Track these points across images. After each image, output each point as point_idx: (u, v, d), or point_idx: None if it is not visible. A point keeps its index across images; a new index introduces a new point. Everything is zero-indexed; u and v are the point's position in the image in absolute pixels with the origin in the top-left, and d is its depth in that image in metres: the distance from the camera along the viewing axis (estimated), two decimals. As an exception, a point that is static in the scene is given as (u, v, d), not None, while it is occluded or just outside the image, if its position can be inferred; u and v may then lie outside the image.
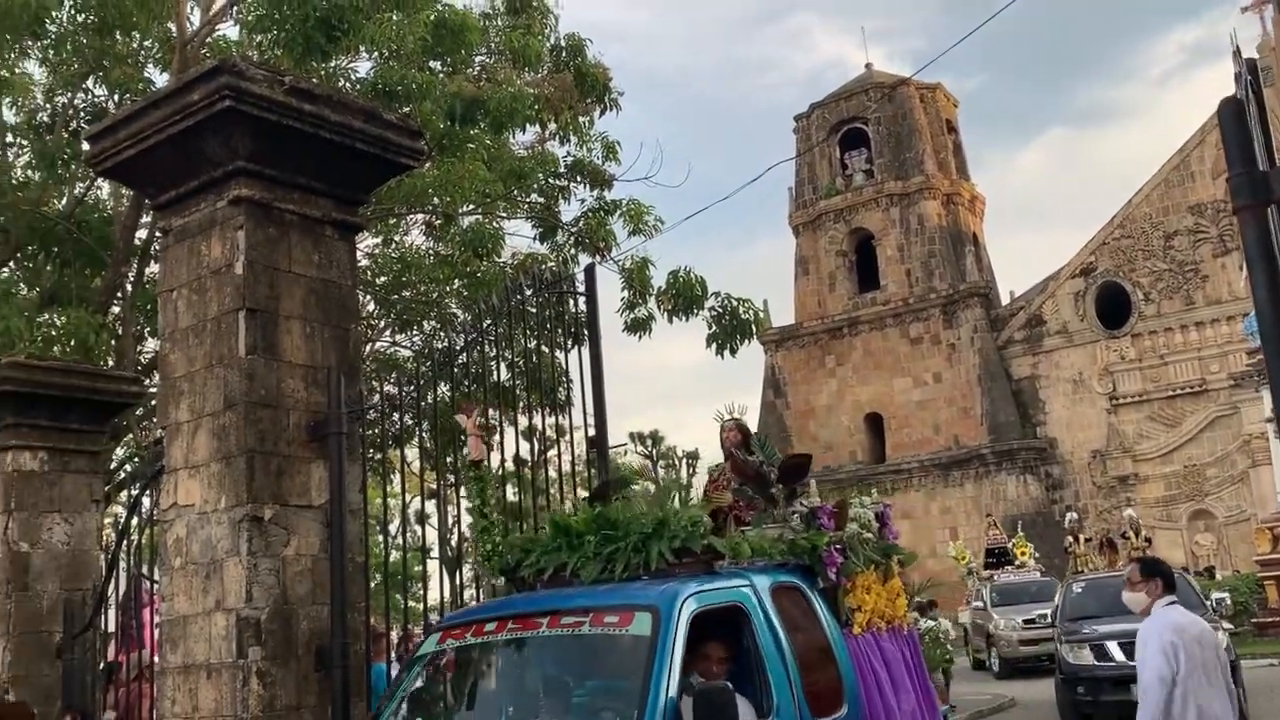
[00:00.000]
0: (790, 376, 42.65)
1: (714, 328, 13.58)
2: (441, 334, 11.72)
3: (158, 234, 9.70)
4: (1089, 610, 13.81)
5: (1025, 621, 21.04)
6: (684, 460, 49.19)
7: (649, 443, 49.18)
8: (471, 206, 14.23)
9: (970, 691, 18.49)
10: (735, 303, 13.57)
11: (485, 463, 5.96)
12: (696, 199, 60.09)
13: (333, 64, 12.23)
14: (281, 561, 6.10)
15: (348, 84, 12.61)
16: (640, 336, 14.49)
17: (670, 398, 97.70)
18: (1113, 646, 12.56)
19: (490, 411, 8.03)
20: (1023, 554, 25.98)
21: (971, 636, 24.49)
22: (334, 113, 6.49)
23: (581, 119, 14.44)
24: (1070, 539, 19.72)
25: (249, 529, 6.00)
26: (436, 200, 13.61)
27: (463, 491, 7.38)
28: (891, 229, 41.81)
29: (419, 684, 5.10)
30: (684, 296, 13.47)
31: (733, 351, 13.64)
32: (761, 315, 15.04)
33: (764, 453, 6.05)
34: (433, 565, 21.85)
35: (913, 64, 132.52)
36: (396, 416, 7.96)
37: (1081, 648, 13.12)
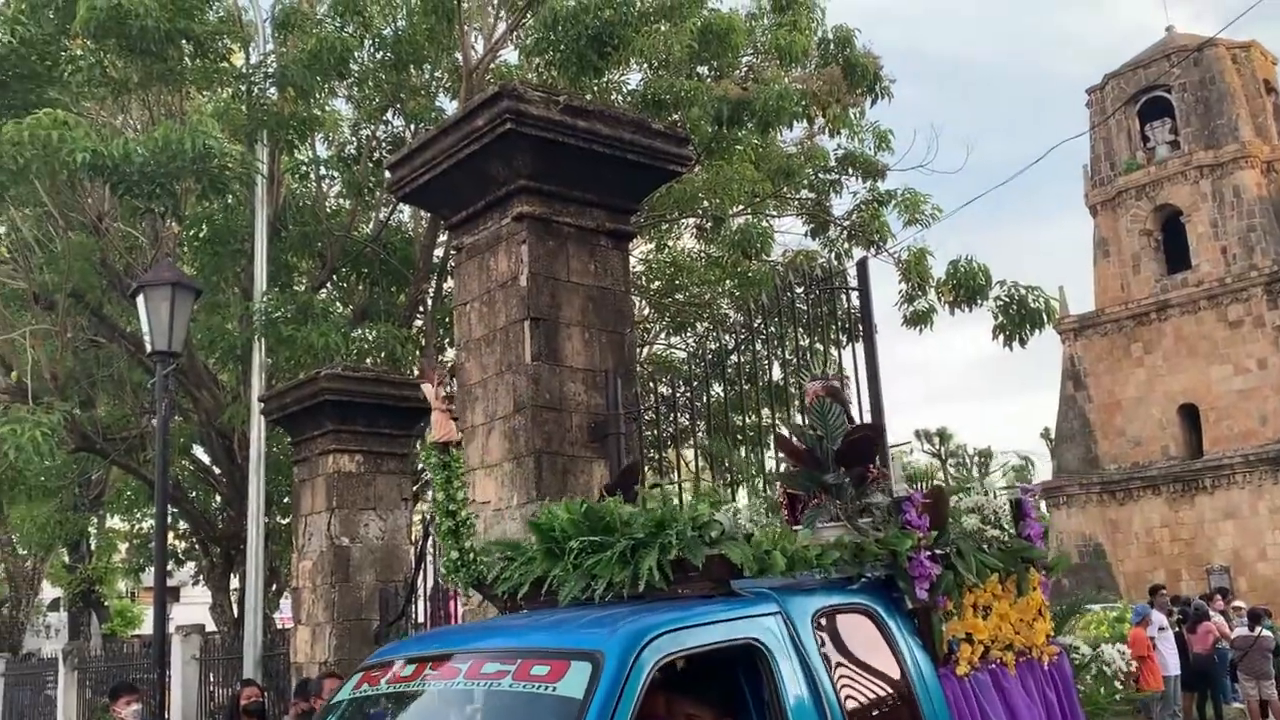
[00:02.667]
0: (1092, 367, 39.87)
1: (1000, 318, 12.94)
2: (714, 334, 11.85)
3: (452, 252, 10.40)
4: None
5: None
6: (975, 459, 47.17)
7: (936, 440, 47.51)
8: (741, 207, 14.30)
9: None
10: (1023, 291, 12.87)
11: (455, 446, 4.68)
12: (979, 183, 57.58)
13: (605, 79, 12.65)
14: (569, 557, 6.35)
15: (619, 97, 13.00)
16: (920, 330, 14.06)
17: (957, 392, 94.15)
18: None
19: (764, 411, 8.03)
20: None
21: None
22: (605, 126, 6.69)
23: (851, 110, 14.19)
24: None
25: (538, 525, 6.29)
26: (706, 203, 13.78)
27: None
28: (1202, 203, 38.22)
29: None
30: (966, 287, 12.90)
31: (1022, 343, 12.92)
32: (1054, 303, 14.15)
33: (823, 425, 4.39)
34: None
35: (1220, 22, 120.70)
36: (673, 416, 8.13)
37: None
